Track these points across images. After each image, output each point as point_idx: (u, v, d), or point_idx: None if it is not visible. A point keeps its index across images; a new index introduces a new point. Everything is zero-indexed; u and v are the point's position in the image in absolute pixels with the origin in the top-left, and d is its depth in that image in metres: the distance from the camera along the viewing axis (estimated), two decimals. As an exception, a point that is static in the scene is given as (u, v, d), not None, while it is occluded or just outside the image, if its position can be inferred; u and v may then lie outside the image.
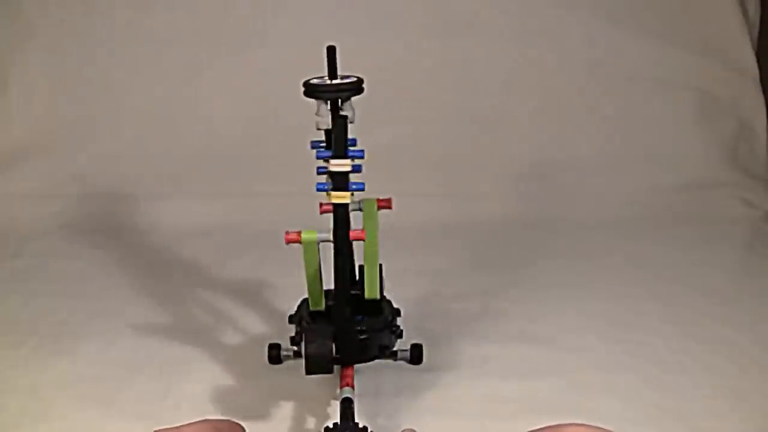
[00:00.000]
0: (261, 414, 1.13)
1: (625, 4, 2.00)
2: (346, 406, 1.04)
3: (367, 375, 1.20)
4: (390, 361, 1.23)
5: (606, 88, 2.00)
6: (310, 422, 1.12)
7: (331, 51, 1.03)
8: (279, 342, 1.25)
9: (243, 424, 0.76)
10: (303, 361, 1.03)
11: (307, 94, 1.03)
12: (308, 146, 1.08)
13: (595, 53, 2.00)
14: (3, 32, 1.92)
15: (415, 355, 1.24)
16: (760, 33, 2.06)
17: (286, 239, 1.05)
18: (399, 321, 1.19)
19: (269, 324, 1.38)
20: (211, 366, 1.26)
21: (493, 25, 1.98)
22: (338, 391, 1.09)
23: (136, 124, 1.94)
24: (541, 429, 0.68)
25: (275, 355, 1.24)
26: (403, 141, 1.91)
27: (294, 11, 1.96)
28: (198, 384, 1.21)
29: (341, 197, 1.03)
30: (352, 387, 1.08)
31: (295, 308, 1.21)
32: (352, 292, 1.14)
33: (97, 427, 1.12)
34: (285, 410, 1.14)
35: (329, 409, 1.14)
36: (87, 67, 1.94)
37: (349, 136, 1.03)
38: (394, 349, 1.21)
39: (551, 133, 1.99)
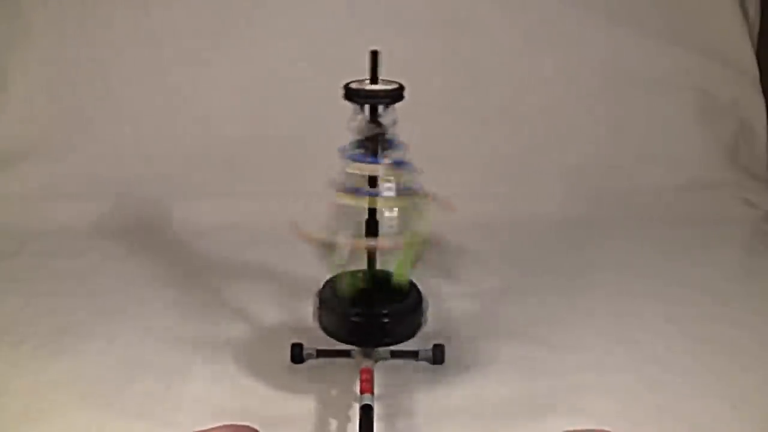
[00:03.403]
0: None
1: (626, 4, 2.00)
2: (366, 412, 1.04)
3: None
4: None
5: (607, 89, 2.00)
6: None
7: (374, 56, 1.05)
8: (301, 342, 1.25)
9: (262, 427, 0.75)
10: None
11: (348, 97, 1.07)
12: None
13: (596, 54, 2.00)
14: (3, 32, 1.92)
15: (438, 355, 1.25)
16: (760, 33, 2.06)
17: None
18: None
19: (272, 325, 1.38)
20: (212, 366, 1.26)
21: (495, 27, 1.98)
22: (358, 395, 1.09)
23: (136, 124, 1.94)
24: None
25: (298, 354, 1.25)
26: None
27: (294, 12, 1.96)
28: (199, 384, 1.21)
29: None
30: (372, 393, 1.08)
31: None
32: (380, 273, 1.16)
33: (97, 427, 1.12)
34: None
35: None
36: (87, 67, 1.94)
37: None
38: (417, 349, 1.23)
39: (551, 133, 1.99)
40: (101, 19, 1.93)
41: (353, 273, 1.17)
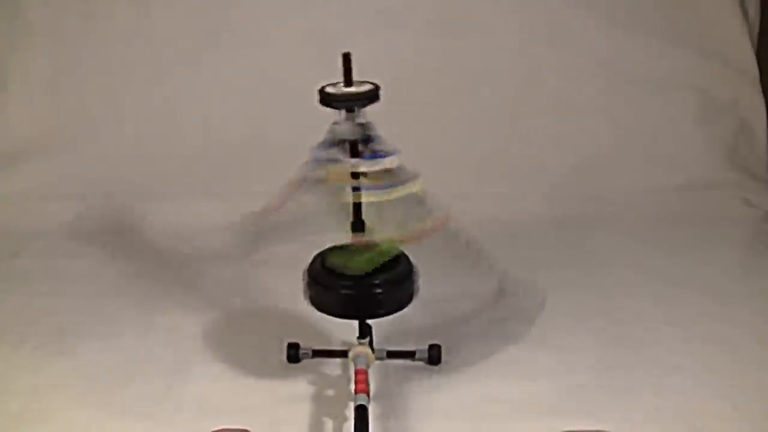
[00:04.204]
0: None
1: (627, 5, 2.00)
2: (361, 413, 1.04)
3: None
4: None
5: (607, 89, 2.00)
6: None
7: (347, 58, 1.04)
8: (297, 342, 1.25)
9: (258, 427, 0.75)
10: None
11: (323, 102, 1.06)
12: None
13: (596, 54, 2.00)
14: (3, 32, 1.92)
15: (434, 355, 1.25)
16: (760, 33, 2.06)
17: None
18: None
19: (272, 325, 1.38)
20: (210, 366, 1.26)
21: (495, 27, 1.98)
22: (353, 395, 1.09)
23: (136, 124, 1.94)
24: None
25: (294, 353, 1.25)
26: (408, 141, 1.91)
27: (294, 13, 1.96)
28: (197, 384, 1.22)
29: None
30: (367, 393, 1.08)
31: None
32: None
33: (97, 427, 1.12)
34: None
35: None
36: (87, 67, 1.94)
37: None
38: (413, 349, 1.22)
39: (552, 133, 1.99)
40: (102, 20, 1.93)
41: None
